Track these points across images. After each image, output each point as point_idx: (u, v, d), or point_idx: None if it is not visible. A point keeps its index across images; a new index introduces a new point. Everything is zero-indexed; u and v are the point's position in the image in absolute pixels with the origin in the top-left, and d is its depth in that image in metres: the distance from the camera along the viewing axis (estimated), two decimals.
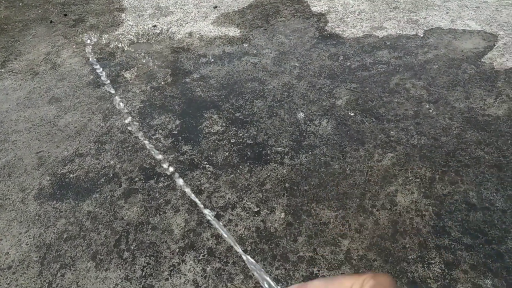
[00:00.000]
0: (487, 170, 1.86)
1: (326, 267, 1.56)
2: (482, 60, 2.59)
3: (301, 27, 3.21)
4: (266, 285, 0.63)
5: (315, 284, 0.50)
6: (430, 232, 1.63)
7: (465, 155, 1.94)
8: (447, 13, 3.14)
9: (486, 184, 1.80)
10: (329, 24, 3.19)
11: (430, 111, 2.22)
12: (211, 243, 1.68)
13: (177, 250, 1.67)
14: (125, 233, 1.76)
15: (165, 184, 1.96)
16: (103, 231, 1.79)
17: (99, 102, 2.60)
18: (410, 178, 1.86)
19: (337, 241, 1.65)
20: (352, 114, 2.28)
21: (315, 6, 3.49)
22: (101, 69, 2.92)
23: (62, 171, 2.13)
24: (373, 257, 1.57)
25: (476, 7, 3.19)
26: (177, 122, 2.35)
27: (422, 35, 2.91)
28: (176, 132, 2.27)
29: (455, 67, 2.54)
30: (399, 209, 1.73)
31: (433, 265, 1.51)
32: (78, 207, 1.92)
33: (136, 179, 2.01)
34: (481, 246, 1.56)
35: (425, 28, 2.99)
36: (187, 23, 3.49)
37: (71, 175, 2.10)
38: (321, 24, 3.21)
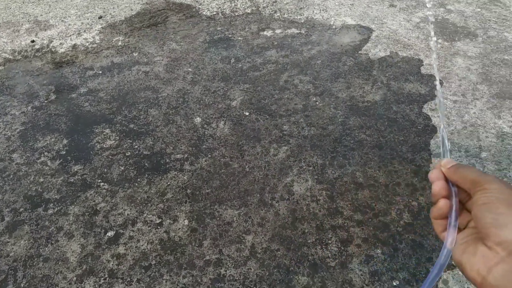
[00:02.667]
0: (369, 150, 2.03)
1: (233, 265, 1.57)
2: (359, 52, 2.83)
3: (192, 33, 3.21)
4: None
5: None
6: (325, 214, 1.73)
7: (350, 139, 2.10)
8: (326, 11, 3.38)
9: (370, 163, 1.96)
10: (218, 28, 3.23)
11: (317, 103, 2.36)
12: (112, 265, 1.60)
13: (75, 278, 1.56)
14: (12, 271, 1.59)
15: (55, 210, 1.82)
16: None
17: None
18: (304, 167, 1.96)
19: (242, 238, 1.67)
20: (247, 114, 2.33)
21: (204, 11, 3.52)
22: None
23: None
24: (276, 247, 1.62)
25: (350, 4, 3.48)
26: (65, 141, 2.19)
27: (305, 33, 3.09)
28: (64, 153, 2.12)
29: (336, 60, 2.74)
30: (296, 198, 1.81)
31: (330, 245, 1.61)
32: None
33: (21, 209, 1.83)
34: (370, 220, 1.70)
35: (307, 26, 3.18)
36: (70, 35, 3.28)
37: None
38: (211, 29, 3.24)
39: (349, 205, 1.76)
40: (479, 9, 3.27)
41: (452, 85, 2.43)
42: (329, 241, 1.62)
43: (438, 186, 0.56)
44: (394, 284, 1.47)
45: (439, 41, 2.88)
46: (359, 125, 2.19)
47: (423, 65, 2.64)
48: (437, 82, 0.69)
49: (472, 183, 0.51)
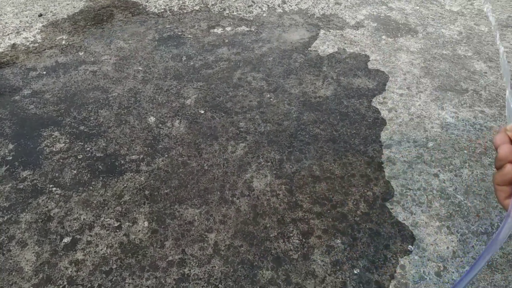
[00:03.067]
0: (324, 144, 2.10)
1: (197, 264, 1.57)
2: (309, 49, 2.90)
3: (140, 30, 3.13)
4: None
5: None
6: (286, 208, 1.77)
7: (305, 134, 2.16)
8: (275, 9, 3.44)
9: (325, 156, 2.03)
10: (167, 26, 3.18)
11: (271, 99, 2.40)
12: (71, 271, 1.53)
13: None
14: None
15: (5, 218, 1.71)
16: None
17: None
18: (262, 163, 1.99)
19: (204, 236, 1.67)
20: (203, 112, 2.32)
21: (152, 8, 3.44)
22: None
23: None
24: (239, 244, 1.64)
25: (297, 2, 3.56)
26: (11, 146, 2.06)
27: (255, 31, 3.12)
28: (10, 158, 2.00)
29: (287, 57, 2.80)
30: (256, 193, 1.84)
31: (292, 238, 1.65)
32: None
33: None
34: (328, 211, 1.76)
35: (257, 24, 3.21)
36: (8, 34, 3.08)
37: None
38: (160, 26, 3.18)
39: (308, 198, 1.82)
40: (417, 7, 3.48)
41: (398, 79, 2.57)
42: (291, 234, 1.67)
43: (504, 150, 0.51)
44: (355, 272, 1.55)
45: (383, 37, 3.03)
46: (312, 120, 2.25)
47: (369, 60, 2.77)
48: (501, 49, 0.66)
49: None
